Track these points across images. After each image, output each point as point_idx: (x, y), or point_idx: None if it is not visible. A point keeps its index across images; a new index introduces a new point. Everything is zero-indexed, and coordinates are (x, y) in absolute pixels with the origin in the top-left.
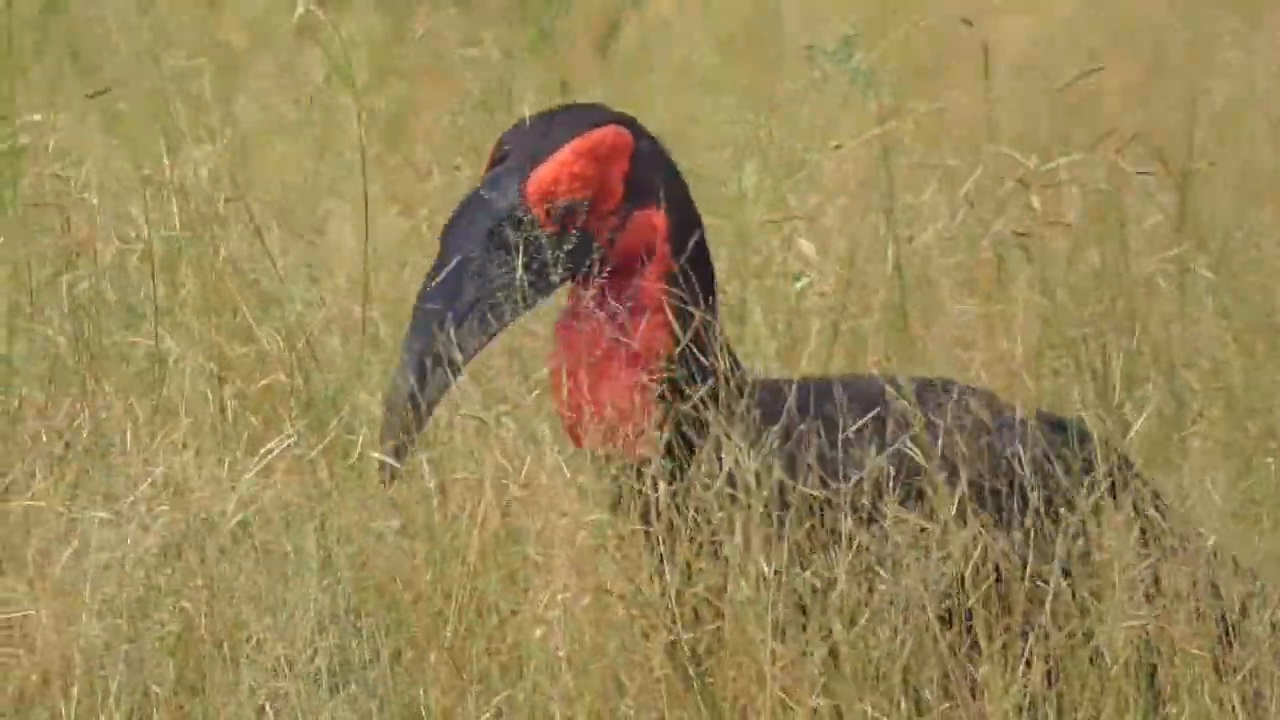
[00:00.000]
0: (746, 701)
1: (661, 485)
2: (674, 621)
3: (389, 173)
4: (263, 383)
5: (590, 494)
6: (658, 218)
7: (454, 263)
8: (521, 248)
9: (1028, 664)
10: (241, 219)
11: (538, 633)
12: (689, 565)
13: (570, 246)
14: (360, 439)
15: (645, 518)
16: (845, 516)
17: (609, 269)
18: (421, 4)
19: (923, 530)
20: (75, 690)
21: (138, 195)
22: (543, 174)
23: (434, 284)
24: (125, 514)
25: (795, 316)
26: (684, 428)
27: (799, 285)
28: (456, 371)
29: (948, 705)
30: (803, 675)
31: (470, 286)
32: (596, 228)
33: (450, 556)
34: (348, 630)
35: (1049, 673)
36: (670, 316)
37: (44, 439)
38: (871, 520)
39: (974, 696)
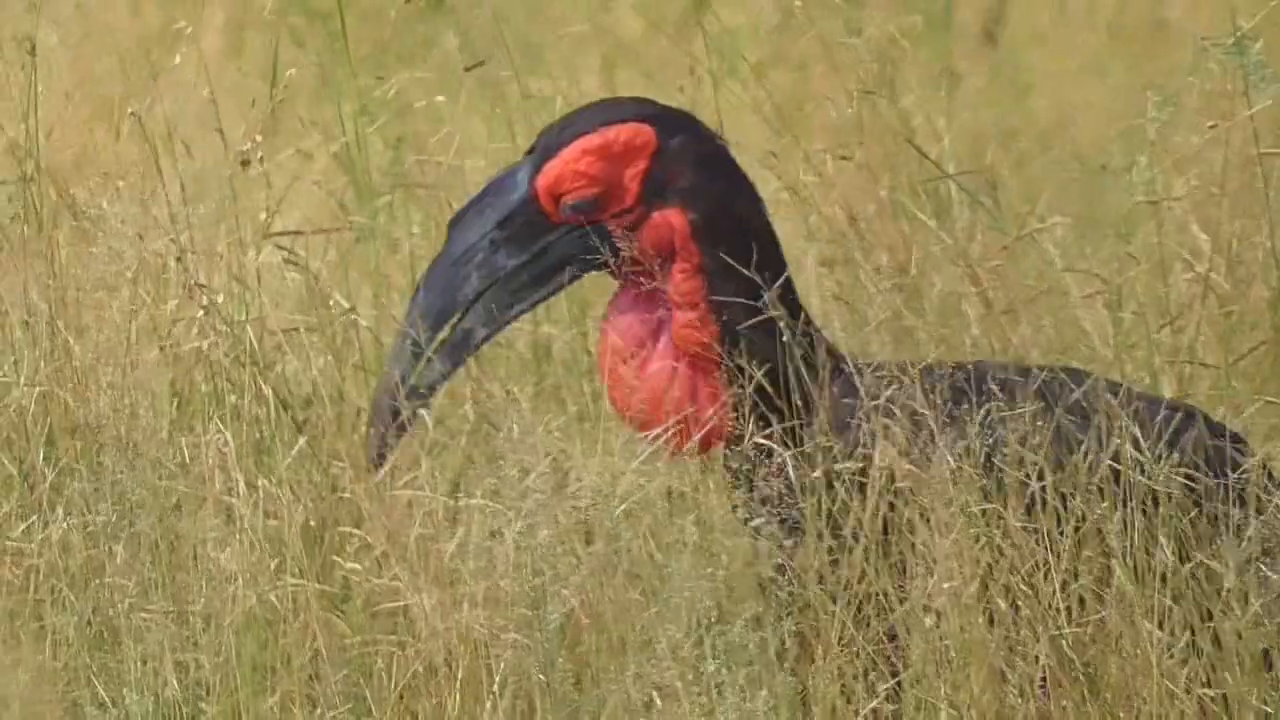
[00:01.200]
0: (1131, 692)
1: (1047, 474)
2: (1058, 612)
3: (779, 161)
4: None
5: (972, 484)
6: (676, 218)
7: (458, 254)
8: (528, 241)
9: None
10: None
11: (927, 621)
12: (1073, 556)
13: (580, 243)
14: None
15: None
16: (1234, 505)
17: (632, 267)
18: None
19: None
20: (459, 679)
21: None
22: (549, 169)
23: (435, 274)
24: (510, 502)
25: (1182, 304)
26: (756, 419)
27: (1196, 272)
28: (459, 362)
29: None
30: (1189, 666)
31: (475, 277)
32: (611, 225)
33: (837, 547)
34: (734, 620)
35: None
36: (708, 312)
37: (427, 425)
38: (1258, 510)
39: None
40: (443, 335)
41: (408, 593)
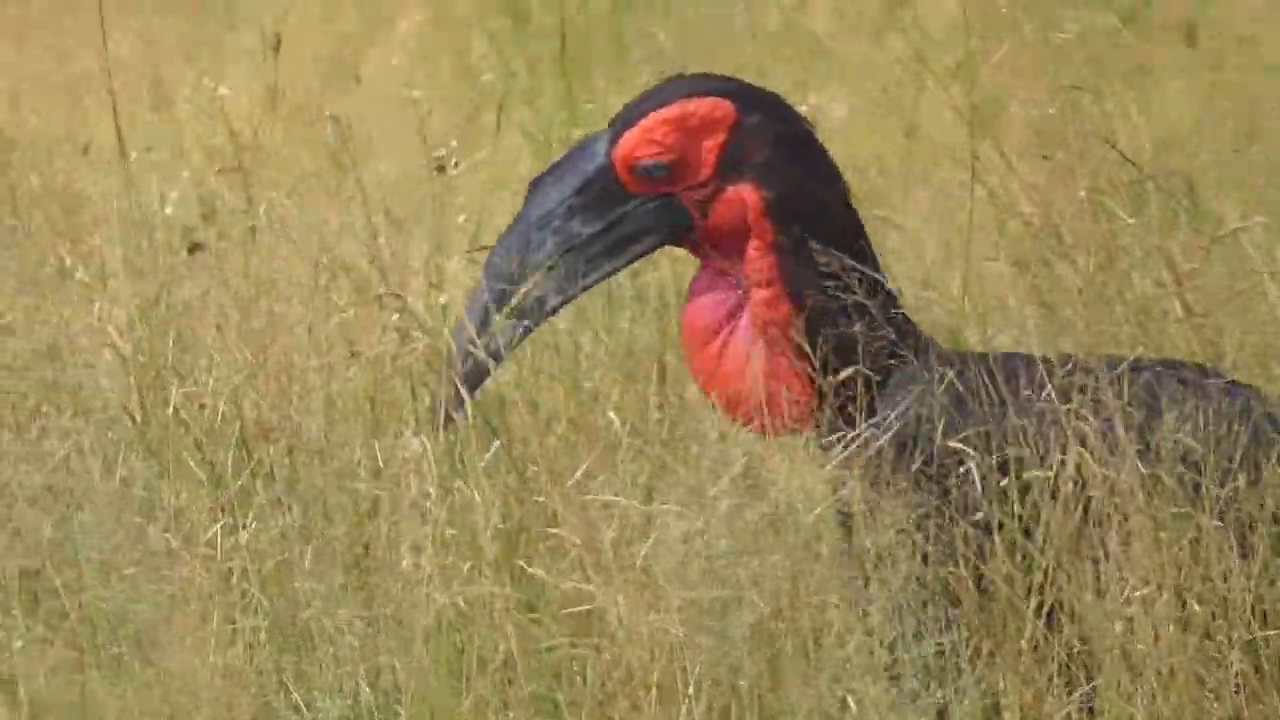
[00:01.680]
0: None
1: (1241, 479)
2: (1254, 619)
3: (978, 160)
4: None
5: (1166, 489)
6: (750, 194)
7: (534, 218)
8: (604, 210)
9: None
10: None
11: (1118, 627)
12: (1267, 564)
13: (655, 215)
14: None
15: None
16: None
17: (706, 242)
18: None
19: None
20: (655, 682)
21: None
22: (627, 139)
23: (510, 237)
24: (706, 506)
25: None
26: (844, 401)
27: None
28: (530, 328)
29: None
30: None
31: (549, 243)
32: (686, 198)
33: (1029, 551)
34: (926, 624)
35: None
36: (782, 290)
37: (621, 430)
38: None
39: None
40: (515, 301)
41: (602, 596)
